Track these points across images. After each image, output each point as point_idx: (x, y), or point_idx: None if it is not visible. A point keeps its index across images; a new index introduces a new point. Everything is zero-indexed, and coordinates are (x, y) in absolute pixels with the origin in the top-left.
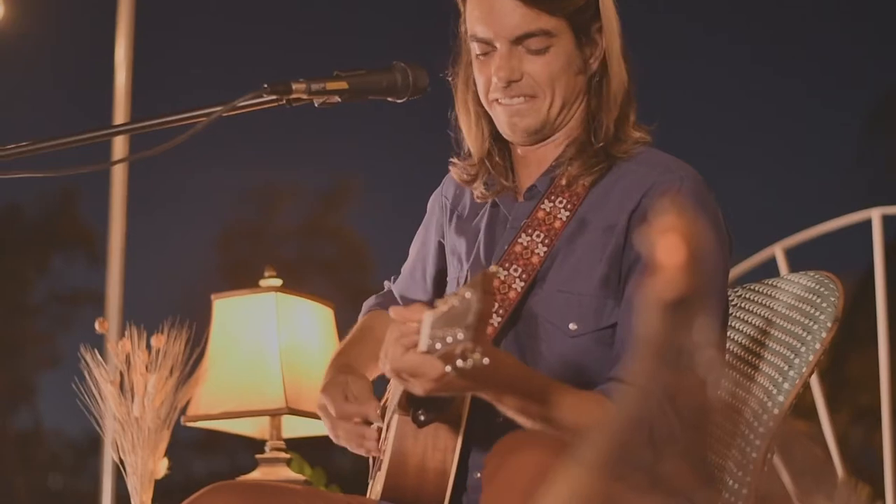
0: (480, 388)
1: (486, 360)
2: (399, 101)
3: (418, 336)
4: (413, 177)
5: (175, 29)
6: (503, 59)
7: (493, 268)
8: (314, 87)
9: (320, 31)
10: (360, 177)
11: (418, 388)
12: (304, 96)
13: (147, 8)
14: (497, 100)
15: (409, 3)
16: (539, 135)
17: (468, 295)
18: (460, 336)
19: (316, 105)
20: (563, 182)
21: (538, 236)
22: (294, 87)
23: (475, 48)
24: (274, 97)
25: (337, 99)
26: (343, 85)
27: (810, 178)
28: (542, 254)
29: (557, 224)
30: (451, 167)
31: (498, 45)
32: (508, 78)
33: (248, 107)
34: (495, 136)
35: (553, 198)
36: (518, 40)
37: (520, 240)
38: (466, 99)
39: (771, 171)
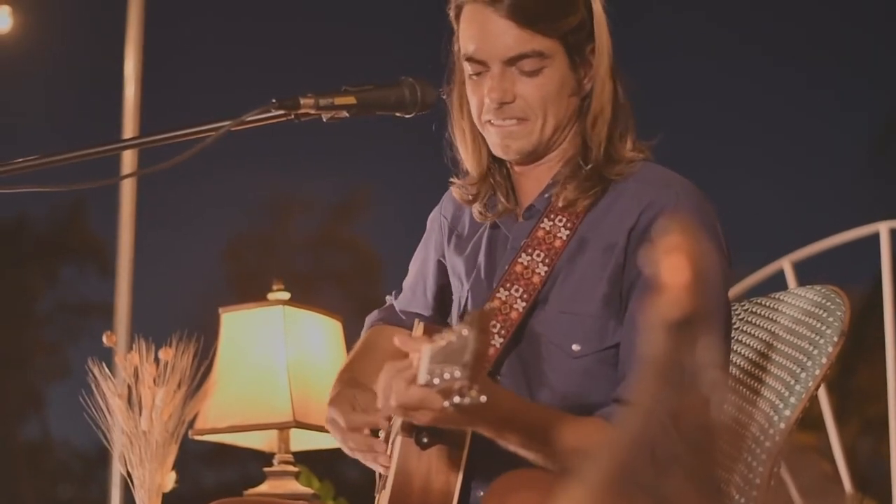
0: (479, 423)
1: (483, 399)
2: (407, 116)
3: (417, 370)
4: (425, 188)
5: (185, 42)
6: (495, 80)
7: (488, 306)
8: (322, 102)
9: (330, 45)
10: (371, 188)
11: (420, 420)
12: (313, 111)
13: (156, 21)
14: (490, 121)
15: (419, 18)
16: (533, 156)
17: (465, 332)
18: (457, 374)
19: (324, 120)
20: (560, 204)
21: (538, 256)
22: (302, 102)
23: (468, 68)
24: (282, 112)
25: (345, 114)
26: (351, 100)
27: (819, 190)
28: (542, 273)
29: (558, 243)
30: (452, 187)
31: (491, 66)
32: (501, 100)
33: (257, 122)
34: (493, 155)
35: (552, 216)
36: (511, 61)
37: (520, 260)
38: (461, 119)
39: (780, 184)
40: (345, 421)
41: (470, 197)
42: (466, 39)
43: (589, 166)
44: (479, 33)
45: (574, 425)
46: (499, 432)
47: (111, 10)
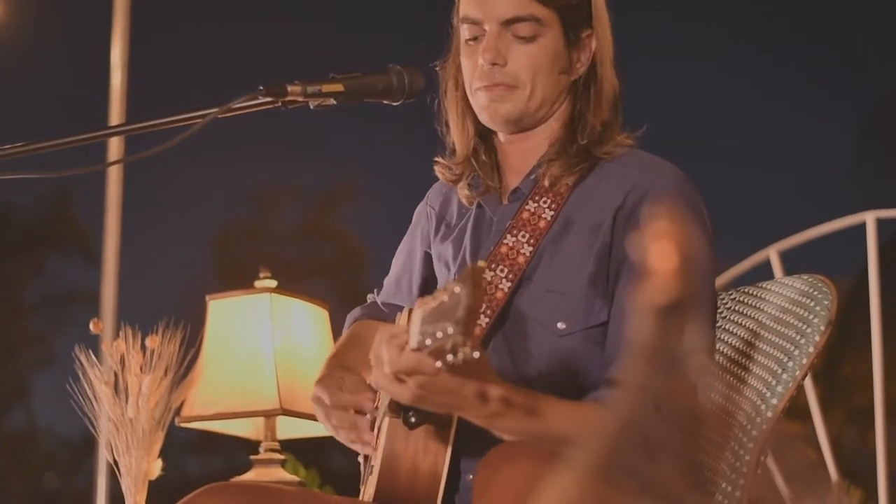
0: (472, 396)
1: (476, 354)
2: (395, 103)
3: (409, 335)
4: (412, 178)
5: (171, 30)
6: (491, 39)
7: (480, 262)
8: (310, 89)
9: (317, 32)
10: (357, 178)
11: (409, 392)
12: (300, 98)
13: (143, 9)
14: (481, 87)
15: (406, 6)
16: (518, 125)
17: (457, 290)
18: (450, 330)
19: (311, 107)
20: (546, 183)
21: (523, 236)
22: (290, 89)
23: (465, 32)
24: (269, 99)
25: (332, 101)
26: (339, 87)
27: (806, 180)
28: (527, 254)
29: (542, 224)
30: (435, 166)
31: (487, 26)
32: (493, 59)
33: (244, 108)
34: (481, 134)
35: (537, 198)
36: (508, 23)
37: (505, 240)
38: (455, 91)
39: (766, 174)
40: (330, 399)
41: (452, 176)
42: (467, 3)
43: (583, 142)
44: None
45: (565, 406)
46: (492, 407)
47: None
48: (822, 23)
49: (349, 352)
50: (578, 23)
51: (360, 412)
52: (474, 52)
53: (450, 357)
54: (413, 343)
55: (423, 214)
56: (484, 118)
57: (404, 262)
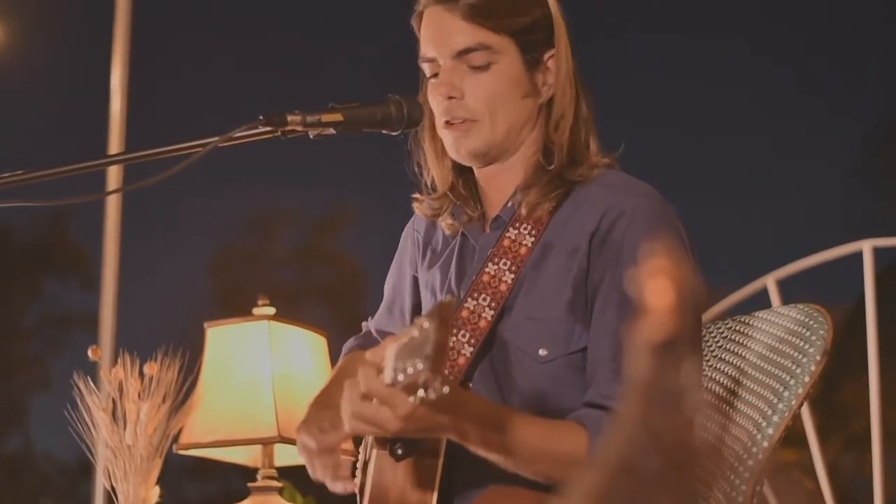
0: (449, 425)
1: (446, 389)
2: (394, 133)
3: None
4: (410, 203)
5: (171, 55)
6: (445, 74)
7: (447, 297)
8: (309, 119)
9: (316, 61)
10: (356, 203)
11: (389, 427)
12: (300, 128)
13: (143, 35)
14: (445, 122)
15: (405, 36)
16: (487, 157)
17: (426, 325)
18: (420, 366)
19: (311, 137)
20: (524, 211)
21: (505, 264)
22: (290, 119)
23: (426, 70)
24: (269, 129)
25: (331, 131)
26: (338, 117)
27: (803, 209)
28: (509, 281)
29: (523, 251)
30: (414, 203)
31: (442, 62)
32: (448, 93)
33: (244, 138)
34: (459, 167)
35: (518, 225)
36: (460, 55)
37: (487, 269)
38: (431, 132)
39: (764, 203)
40: (317, 443)
41: (431, 212)
42: (423, 42)
43: (551, 167)
44: (433, 33)
45: (542, 426)
46: (469, 436)
47: (98, 24)
48: (820, 50)
49: (334, 387)
50: (537, 44)
51: (346, 450)
52: (436, 89)
53: (421, 392)
54: (387, 378)
55: (409, 239)
56: (453, 156)
57: (394, 288)
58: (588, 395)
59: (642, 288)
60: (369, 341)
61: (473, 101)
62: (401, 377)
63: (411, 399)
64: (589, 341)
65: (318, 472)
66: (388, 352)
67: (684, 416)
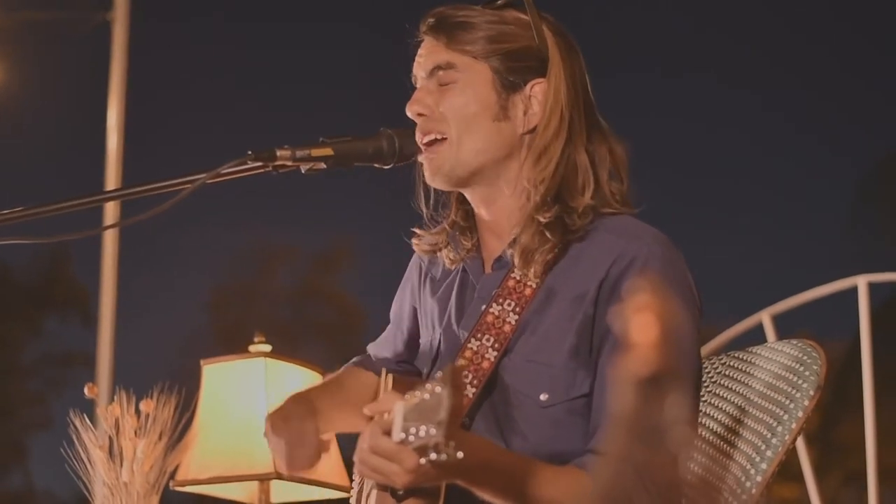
0: (455, 476)
1: (460, 454)
2: (385, 167)
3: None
4: (408, 240)
5: (167, 93)
6: (417, 91)
7: (460, 362)
8: (299, 153)
9: (309, 96)
10: (354, 239)
11: (397, 480)
12: (289, 163)
13: (139, 73)
14: (423, 146)
15: (401, 68)
16: (455, 178)
17: (438, 390)
18: (433, 432)
19: (303, 171)
20: (519, 261)
21: (509, 305)
22: (279, 153)
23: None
24: (259, 164)
25: (322, 165)
26: (328, 151)
27: (799, 245)
28: (513, 322)
29: (528, 292)
30: (412, 239)
31: (418, 83)
32: (417, 110)
33: (233, 174)
34: (459, 200)
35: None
36: (430, 74)
37: (491, 309)
38: None
39: (760, 238)
40: (287, 460)
41: (428, 247)
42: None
43: (544, 219)
44: (418, 59)
45: (550, 474)
46: (475, 483)
47: (95, 64)
48: (818, 86)
49: (321, 388)
50: (521, 71)
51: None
52: (409, 107)
53: (433, 455)
54: (396, 437)
55: (415, 267)
56: (427, 180)
57: (395, 314)
58: (592, 444)
59: (627, 323)
60: (369, 363)
61: (439, 115)
62: (412, 438)
63: (422, 461)
64: (594, 389)
65: (273, 454)
66: (396, 411)
67: (668, 452)
